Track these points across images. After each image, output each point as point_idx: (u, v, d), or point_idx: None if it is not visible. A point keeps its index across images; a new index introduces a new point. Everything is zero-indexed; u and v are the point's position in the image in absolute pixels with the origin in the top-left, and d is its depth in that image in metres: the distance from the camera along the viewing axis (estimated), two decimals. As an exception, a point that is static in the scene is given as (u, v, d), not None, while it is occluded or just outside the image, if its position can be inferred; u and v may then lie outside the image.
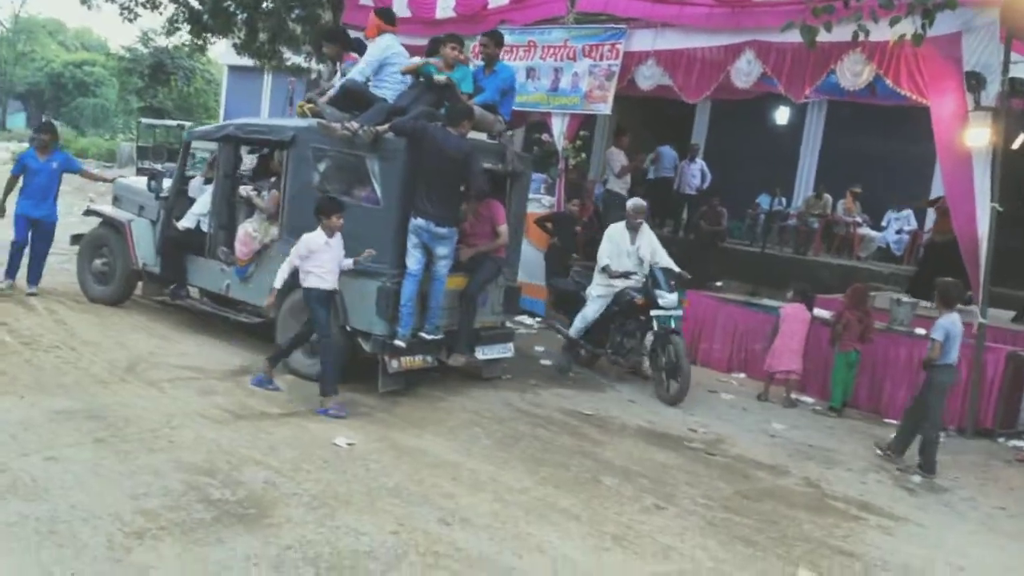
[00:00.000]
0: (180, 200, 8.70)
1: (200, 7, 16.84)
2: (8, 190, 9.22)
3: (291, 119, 8.04)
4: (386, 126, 7.03)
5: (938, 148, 8.48)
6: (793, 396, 9.01)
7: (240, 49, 17.76)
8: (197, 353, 7.91)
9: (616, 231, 9.02)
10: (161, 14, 16.89)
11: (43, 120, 8.58)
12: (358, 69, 7.66)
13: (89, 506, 4.53)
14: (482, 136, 7.84)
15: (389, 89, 7.71)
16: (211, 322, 8.70)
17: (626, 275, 8.78)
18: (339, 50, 8.09)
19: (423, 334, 7.29)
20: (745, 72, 9.75)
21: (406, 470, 5.65)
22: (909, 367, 8.64)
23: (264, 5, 14.65)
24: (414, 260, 7.05)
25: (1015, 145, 8.90)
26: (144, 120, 29.06)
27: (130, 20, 17.26)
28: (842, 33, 7.83)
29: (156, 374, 7.08)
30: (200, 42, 17.38)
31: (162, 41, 22.24)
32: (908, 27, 7.67)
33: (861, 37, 7.59)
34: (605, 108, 11.06)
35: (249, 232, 7.87)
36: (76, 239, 9.46)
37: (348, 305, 7.22)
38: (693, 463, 6.67)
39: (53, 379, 6.60)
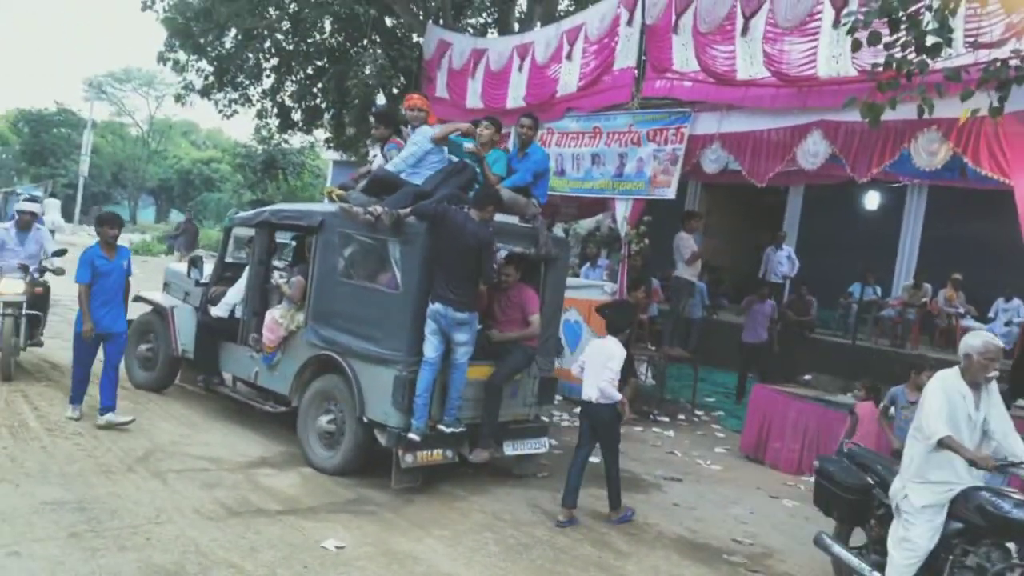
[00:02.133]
0: (221, 287, 8.66)
1: (290, 103, 17.42)
2: (87, 304, 7.53)
3: (322, 205, 7.93)
4: (408, 210, 6.79)
5: (1023, 232, 7.64)
6: (866, 505, 8.07)
7: (328, 143, 18.25)
8: (220, 443, 7.70)
9: (951, 381, 5.17)
10: (253, 107, 17.50)
11: (105, 212, 7.91)
12: (400, 159, 7.48)
13: (26, 609, 4.25)
14: (514, 219, 7.50)
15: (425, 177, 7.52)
16: (246, 410, 8.52)
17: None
18: (388, 133, 7.97)
19: (441, 427, 6.86)
20: (812, 153, 9.18)
21: (389, 580, 5.18)
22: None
23: (349, 100, 14.90)
24: (431, 347, 6.69)
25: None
26: (234, 210, 30.18)
27: (228, 117, 17.99)
28: (912, 110, 7.21)
29: (167, 464, 6.88)
30: (286, 137, 17.92)
31: (276, 139, 22.93)
32: (983, 101, 7.03)
33: (926, 113, 6.96)
34: (670, 192, 10.61)
35: (276, 319, 7.71)
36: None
37: (364, 394, 6.90)
38: (726, 582, 5.93)
39: (59, 467, 6.46)
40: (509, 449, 7.45)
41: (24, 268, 9.01)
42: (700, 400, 12.71)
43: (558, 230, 15.49)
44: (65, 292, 9.87)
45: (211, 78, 16.96)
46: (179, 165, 59.60)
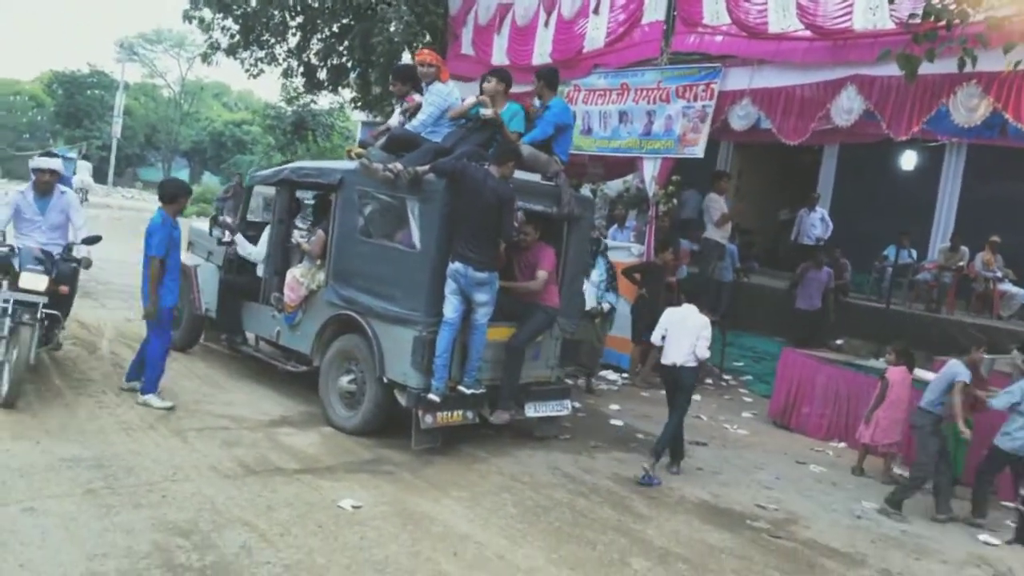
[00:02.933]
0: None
1: (316, 62, 17.26)
2: (157, 281, 7.04)
3: (342, 162, 7.80)
4: (427, 167, 6.65)
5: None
6: (895, 471, 7.93)
7: (355, 103, 18.08)
8: (244, 402, 7.68)
9: None
10: (279, 66, 17.35)
11: (171, 181, 6.99)
12: (419, 120, 7.32)
13: (38, 566, 4.24)
14: (536, 177, 7.34)
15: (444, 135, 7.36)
16: (269, 370, 8.48)
17: None
18: (407, 90, 7.79)
19: (462, 388, 6.78)
20: (846, 109, 8.90)
21: (405, 541, 5.12)
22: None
23: (374, 59, 14.67)
24: (451, 307, 6.59)
25: None
26: (255, 168, 30.03)
27: (254, 76, 17.86)
28: (951, 63, 6.92)
29: (188, 423, 6.86)
30: (313, 98, 17.78)
31: (305, 99, 22.75)
32: None
33: (968, 66, 6.68)
34: (699, 151, 10.37)
35: (296, 278, 7.64)
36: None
37: (385, 354, 6.83)
38: (749, 547, 5.82)
39: (80, 424, 6.46)
40: (530, 411, 7.36)
41: (48, 256, 7.17)
42: (728, 365, 12.54)
43: (585, 191, 15.33)
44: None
45: (237, 36, 16.80)
46: (211, 127, 59.72)
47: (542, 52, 12.34)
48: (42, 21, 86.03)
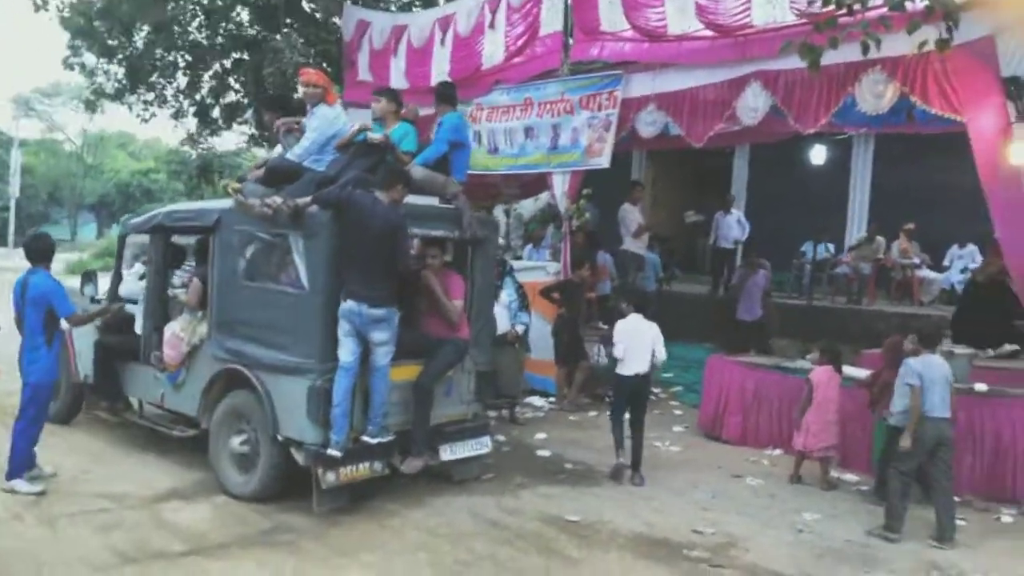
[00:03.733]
0: (120, 302, 7.86)
1: (209, 101, 16.52)
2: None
3: (220, 202, 7.15)
4: (309, 198, 6.07)
5: (980, 172, 7.15)
6: (833, 475, 7.59)
7: (252, 140, 17.39)
8: (126, 476, 6.91)
9: None
10: (171, 107, 16.57)
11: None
12: (301, 147, 6.73)
13: None
14: (433, 200, 6.82)
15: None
16: (161, 437, 7.69)
17: None
18: (274, 118, 7.20)
19: (366, 438, 6.18)
20: (752, 107, 8.62)
21: (303, 624, 4.50)
22: (970, 433, 7.18)
23: (267, 92, 14.02)
24: (347, 351, 5.99)
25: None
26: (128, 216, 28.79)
27: (145, 121, 17.04)
28: (855, 51, 6.62)
29: (61, 507, 6.09)
30: (207, 135, 17.08)
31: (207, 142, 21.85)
32: (930, 34, 6.48)
33: (873, 51, 6.38)
34: (604, 161, 10.01)
35: (176, 333, 6.95)
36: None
37: (277, 409, 6.19)
38: (688, 582, 5.34)
39: (-70, 522, 5.68)
40: (446, 454, 6.78)
41: None
42: (657, 376, 12.13)
43: (499, 212, 14.90)
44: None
45: (123, 81, 15.97)
46: (117, 178, 57.82)
47: (440, 72, 11.88)
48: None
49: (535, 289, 10.67)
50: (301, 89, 6.93)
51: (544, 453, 8.27)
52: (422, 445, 6.46)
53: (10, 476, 6.39)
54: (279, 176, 6.54)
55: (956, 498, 6.96)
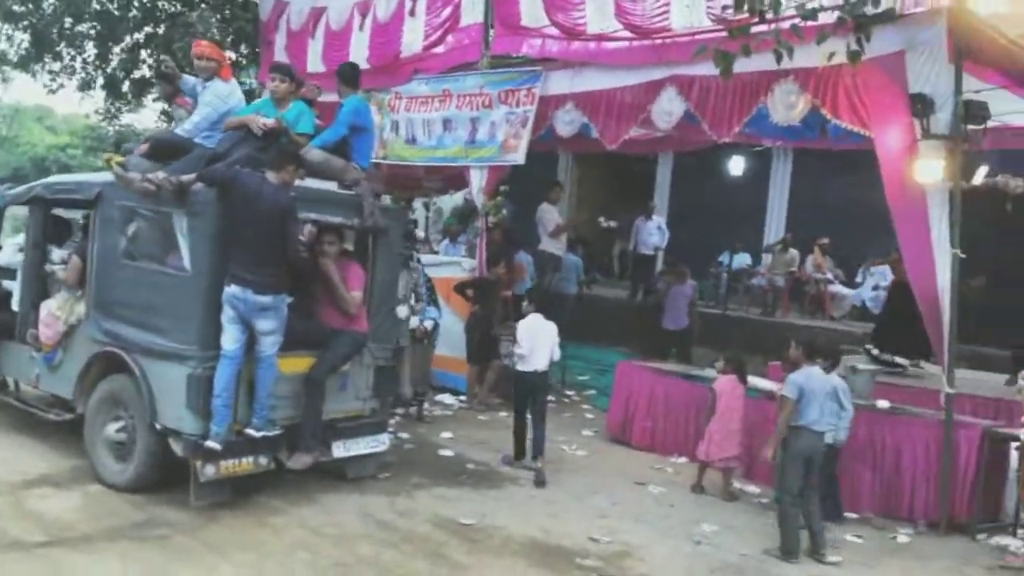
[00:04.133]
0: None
1: (119, 74, 15.84)
2: None
3: (103, 175, 6.73)
4: (194, 175, 5.73)
5: (886, 187, 7.16)
6: (735, 486, 7.54)
7: (162, 115, 16.75)
8: (15, 457, 6.49)
9: None
10: (81, 79, 15.83)
11: None
12: (191, 123, 6.39)
13: None
14: (332, 186, 6.53)
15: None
16: (38, 419, 7.25)
17: None
18: (172, 92, 6.85)
19: (250, 431, 5.87)
20: (667, 111, 8.54)
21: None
22: (871, 450, 7.20)
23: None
24: (230, 338, 5.68)
25: (975, 180, 7.58)
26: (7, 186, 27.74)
27: (53, 92, 16.25)
28: (769, 60, 6.58)
29: (-91, 493, 5.67)
30: (115, 109, 16.41)
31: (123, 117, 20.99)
32: (841, 47, 6.49)
33: (786, 61, 6.35)
34: (519, 157, 9.84)
35: (52, 311, 6.53)
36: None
37: (156, 396, 5.84)
38: (576, 591, 5.18)
39: None
40: (339, 450, 6.51)
41: None
42: (572, 379, 12.04)
43: (418, 204, 14.64)
44: None
45: (29, 48, 15.20)
46: (33, 152, 55.57)
47: (358, 57, 11.48)
48: None
49: (449, 285, 10.47)
50: (195, 63, 6.58)
51: (447, 453, 8.05)
52: (311, 441, 6.18)
53: None
54: (165, 150, 6.19)
55: (854, 515, 7.02)
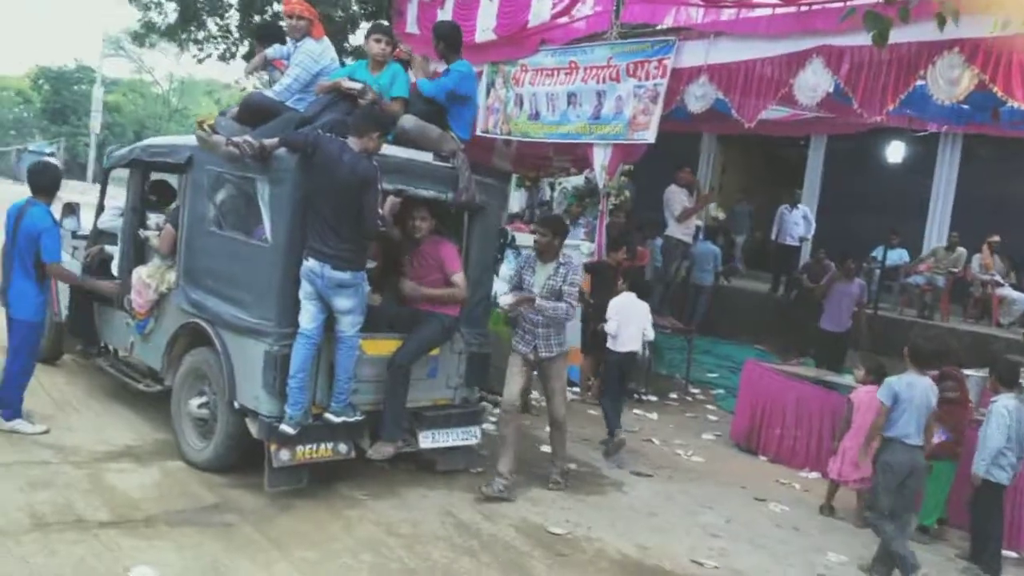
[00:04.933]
0: (103, 239, 7.34)
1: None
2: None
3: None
4: (277, 139, 5.37)
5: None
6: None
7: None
8: (88, 427, 6.39)
9: None
10: (226, 50, 16.06)
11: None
12: (282, 84, 6.09)
13: None
14: (427, 157, 6.06)
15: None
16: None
17: None
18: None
19: (329, 415, 5.50)
20: (811, 86, 7.61)
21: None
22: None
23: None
24: (308, 316, 5.31)
25: None
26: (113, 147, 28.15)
27: (200, 62, 16.59)
28: (930, 30, 5.64)
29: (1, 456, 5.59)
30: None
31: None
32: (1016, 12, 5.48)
33: (950, 28, 5.37)
34: (649, 135, 9.09)
35: (143, 278, 6.37)
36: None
37: (236, 373, 5.55)
38: (666, 626, 4.53)
39: None
40: (426, 441, 6.07)
41: None
42: (700, 376, 11.26)
43: (545, 185, 14.09)
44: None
45: (174, 15, 15.53)
46: (200, 123, 58.59)
47: (485, 28, 11.09)
48: (31, 15, 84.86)
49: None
50: (285, 21, 6.24)
51: (549, 449, 7.48)
52: (393, 429, 5.76)
53: (9, 417, 6.02)
54: (255, 113, 5.87)
55: (1012, 554, 6.07)
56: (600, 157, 9.62)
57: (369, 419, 5.70)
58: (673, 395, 10.40)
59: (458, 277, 6.02)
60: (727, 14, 8.24)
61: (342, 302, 5.30)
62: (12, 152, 45.79)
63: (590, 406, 9.19)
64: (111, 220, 7.33)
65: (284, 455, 5.33)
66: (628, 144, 9.48)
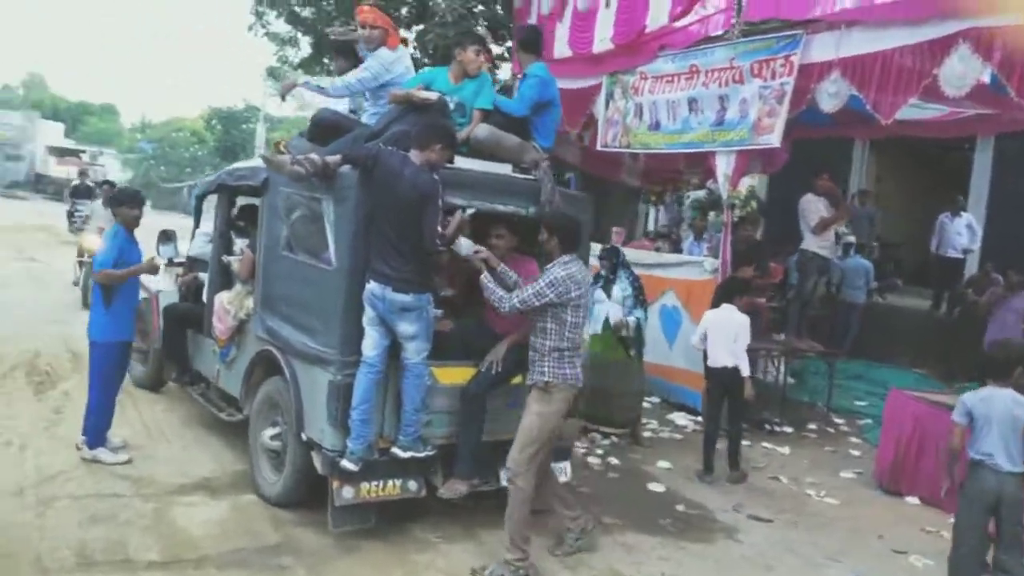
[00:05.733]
0: (197, 267, 7.29)
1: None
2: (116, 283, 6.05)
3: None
4: (338, 156, 5.04)
5: None
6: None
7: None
8: (170, 458, 6.27)
9: None
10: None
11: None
12: (343, 81, 5.80)
13: None
14: (507, 168, 5.58)
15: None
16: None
17: None
18: (349, 67, 6.26)
19: (397, 450, 5.08)
20: (958, 75, 6.65)
21: None
22: None
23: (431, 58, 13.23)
24: (371, 343, 4.92)
25: None
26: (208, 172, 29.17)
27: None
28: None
29: (71, 487, 5.52)
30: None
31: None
32: None
33: None
34: (774, 139, 8.27)
35: (224, 304, 6.20)
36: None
37: (304, 404, 5.24)
38: None
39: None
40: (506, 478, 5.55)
41: None
42: (847, 404, 10.21)
43: (670, 199, 13.36)
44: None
45: (307, 49, 15.89)
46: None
47: (603, 37, 10.55)
48: (206, 60, 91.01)
49: (688, 288, 9.19)
50: (359, 31, 5.93)
51: (657, 488, 6.83)
52: (468, 465, 5.26)
53: (92, 445, 6.01)
54: (325, 130, 5.57)
55: None
56: (723, 165, 8.87)
57: (443, 454, 5.25)
58: (812, 426, 9.43)
59: None
60: (856, 2, 7.35)
61: (405, 327, 4.88)
62: (184, 188, 48.82)
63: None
64: (201, 247, 7.27)
65: (347, 493, 4.95)
66: (754, 150, 8.71)
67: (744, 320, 7.07)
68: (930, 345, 11.30)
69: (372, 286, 4.85)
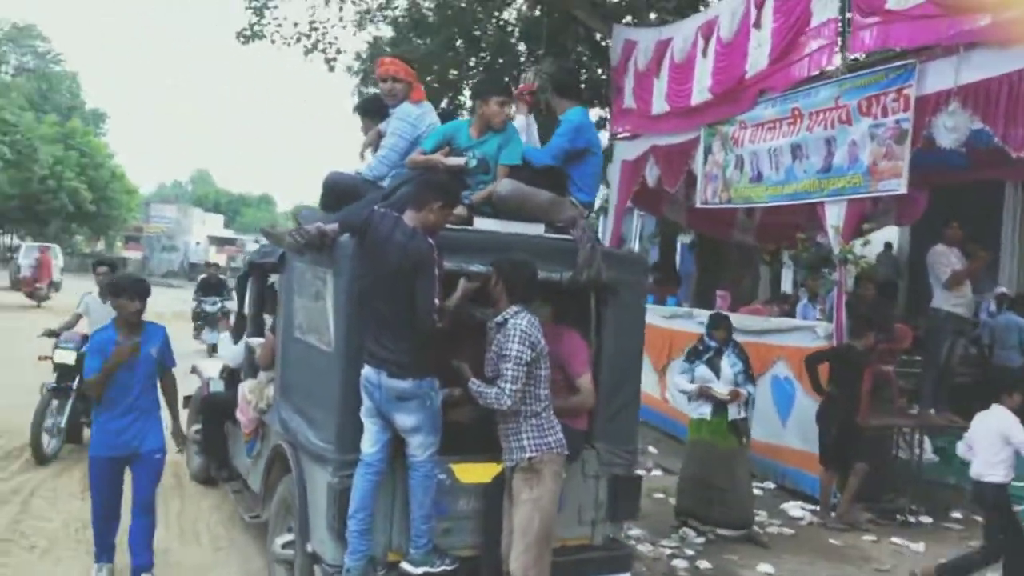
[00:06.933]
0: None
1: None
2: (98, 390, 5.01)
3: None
4: (335, 224, 4.43)
5: None
6: None
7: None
8: (201, 563, 5.69)
9: None
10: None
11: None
12: (377, 159, 5.14)
13: None
14: (539, 228, 4.81)
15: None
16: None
17: None
18: (373, 125, 5.68)
19: (406, 564, 4.30)
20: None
21: None
22: None
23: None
24: (369, 438, 4.21)
25: None
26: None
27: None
28: None
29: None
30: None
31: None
32: None
33: None
34: (900, 185, 7.17)
35: (246, 395, 5.64)
36: (184, 401, 7.86)
37: (309, 508, 4.57)
38: None
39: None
40: (554, 595, 4.65)
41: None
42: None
43: (785, 257, 12.18)
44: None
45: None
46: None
47: (701, 88, 9.71)
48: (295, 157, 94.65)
49: (800, 356, 8.03)
50: (380, 85, 5.34)
51: None
52: (496, 581, 4.41)
53: (96, 557, 5.26)
54: (336, 195, 4.97)
55: None
56: (833, 216, 7.80)
57: (467, 568, 4.42)
58: (956, 514, 7.94)
59: (584, 380, 4.65)
60: (972, 23, 6.26)
61: (404, 419, 4.14)
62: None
63: (832, 532, 7.18)
64: (231, 348, 6.81)
65: (347, 615, 4.19)
66: (871, 198, 7.62)
67: (1007, 418, 5.85)
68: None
69: (367, 371, 4.15)
